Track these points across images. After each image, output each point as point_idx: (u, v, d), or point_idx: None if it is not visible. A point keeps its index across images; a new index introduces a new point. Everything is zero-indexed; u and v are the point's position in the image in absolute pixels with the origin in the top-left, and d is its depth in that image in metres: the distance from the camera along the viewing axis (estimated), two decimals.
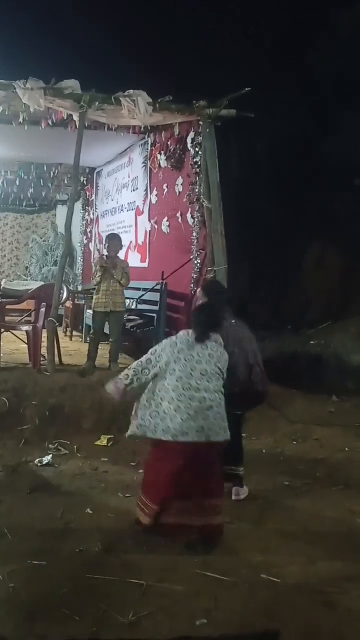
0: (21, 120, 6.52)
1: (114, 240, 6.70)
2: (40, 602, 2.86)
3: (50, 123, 6.75)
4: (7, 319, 7.20)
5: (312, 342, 9.18)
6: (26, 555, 3.26)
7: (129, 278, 6.60)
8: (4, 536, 3.50)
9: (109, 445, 5.32)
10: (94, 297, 6.66)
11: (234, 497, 4.20)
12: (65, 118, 6.52)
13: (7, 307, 7.38)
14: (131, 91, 6.16)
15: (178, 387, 3.48)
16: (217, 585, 3.07)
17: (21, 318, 7.57)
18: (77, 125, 6.31)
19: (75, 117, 6.27)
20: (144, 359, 3.66)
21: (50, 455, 4.93)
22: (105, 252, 6.76)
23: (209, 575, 3.14)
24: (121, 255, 9.18)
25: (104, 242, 7.86)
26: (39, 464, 4.78)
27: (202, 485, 3.51)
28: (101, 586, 2.99)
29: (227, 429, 3.55)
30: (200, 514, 3.48)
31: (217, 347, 3.68)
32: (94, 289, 6.77)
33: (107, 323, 6.66)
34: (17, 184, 11.48)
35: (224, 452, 3.69)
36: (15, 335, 7.11)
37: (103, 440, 5.35)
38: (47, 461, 4.81)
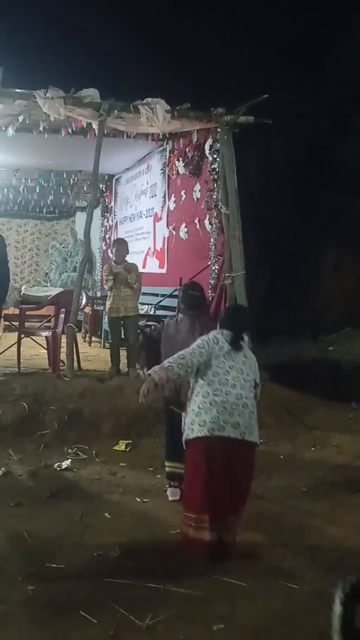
0: (41, 128, 6.61)
1: (122, 245, 6.75)
2: (58, 604, 2.89)
3: (70, 131, 6.83)
4: (26, 324, 7.28)
5: (330, 348, 9.13)
6: (45, 558, 3.30)
7: (140, 282, 6.63)
8: (23, 539, 3.54)
9: (127, 450, 5.34)
10: (107, 303, 6.71)
11: (171, 498, 4.23)
12: (85, 126, 6.60)
13: (27, 312, 7.46)
14: (149, 99, 6.21)
15: (214, 381, 3.44)
16: (234, 591, 3.07)
17: (40, 324, 7.65)
18: (96, 133, 6.38)
19: (95, 125, 6.34)
20: (185, 351, 3.57)
21: (69, 460, 4.97)
22: (113, 258, 6.81)
23: (227, 581, 3.15)
24: (139, 260, 9.29)
25: (111, 248, 7.92)
26: (58, 468, 4.82)
27: (235, 493, 3.43)
28: (119, 590, 3.01)
29: (258, 434, 3.52)
30: (224, 528, 3.40)
31: (247, 349, 3.66)
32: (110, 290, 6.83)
33: (122, 328, 6.70)
34: (37, 191, 11.62)
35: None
36: (34, 341, 7.19)
37: (121, 445, 5.38)
38: (65, 465, 4.86)
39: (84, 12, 10.97)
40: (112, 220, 11.96)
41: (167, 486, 4.35)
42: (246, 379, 3.51)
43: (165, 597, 2.98)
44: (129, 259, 6.86)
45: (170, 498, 4.26)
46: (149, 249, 9.53)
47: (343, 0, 10.15)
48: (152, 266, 9.21)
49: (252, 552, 3.50)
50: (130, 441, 5.44)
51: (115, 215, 11.72)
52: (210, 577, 3.19)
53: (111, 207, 11.96)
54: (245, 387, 3.49)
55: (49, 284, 13.44)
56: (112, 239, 11.67)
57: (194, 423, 3.42)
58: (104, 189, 12.04)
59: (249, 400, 3.47)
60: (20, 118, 6.30)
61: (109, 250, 7.43)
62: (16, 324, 7.11)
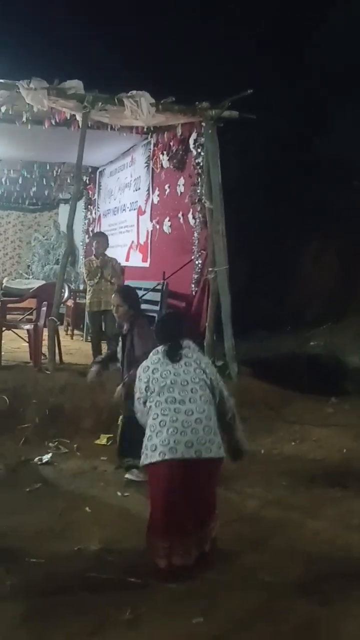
0: (24, 119, 6.55)
1: (101, 239, 6.75)
2: (39, 600, 2.89)
3: (53, 122, 6.77)
4: (8, 317, 7.23)
5: (312, 343, 9.19)
6: (25, 553, 3.30)
7: (119, 276, 6.64)
8: (3, 534, 3.53)
9: (109, 444, 5.33)
10: (87, 297, 6.70)
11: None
12: (68, 118, 6.55)
13: (9, 305, 7.40)
14: (134, 92, 6.18)
15: (161, 401, 3.23)
16: (214, 585, 3.09)
17: (22, 316, 7.59)
18: (80, 125, 6.33)
19: (78, 117, 6.29)
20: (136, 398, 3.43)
21: (50, 454, 4.95)
22: (93, 251, 6.80)
23: (207, 575, 3.17)
24: (122, 254, 9.25)
25: (91, 241, 7.90)
26: (39, 463, 4.81)
27: (198, 512, 3.24)
28: (100, 585, 3.02)
29: (221, 445, 3.27)
30: (198, 546, 3.23)
31: (193, 353, 3.44)
32: (91, 286, 6.83)
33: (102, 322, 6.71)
34: (20, 182, 11.52)
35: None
36: (16, 334, 7.13)
37: (102, 439, 5.38)
38: (46, 460, 4.84)
39: (69, 4, 10.86)
40: (95, 213, 11.90)
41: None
42: (195, 390, 3.26)
43: (145, 592, 2.99)
44: (111, 252, 6.86)
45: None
46: (132, 242, 9.50)
47: None
48: (135, 260, 9.19)
49: (232, 547, 3.52)
50: (112, 435, 5.42)
51: (98, 207, 11.67)
52: (191, 572, 3.21)
53: (95, 199, 11.90)
54: (195, 399, 3.23)
55: (31, 276, 13.34)
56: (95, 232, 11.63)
57: (147, 448, 3.20)
58: (87, 181, 11.97)
59: (202, 414, 3.20)
60: (3, 108, 6.23)
61: (91, 243, 7.40)
62: None
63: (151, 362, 3.41)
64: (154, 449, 3.16)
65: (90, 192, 12.15)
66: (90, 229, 12.18)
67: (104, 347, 6.75)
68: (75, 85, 6.03)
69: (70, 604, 2.83)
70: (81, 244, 12.54)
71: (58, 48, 10.35)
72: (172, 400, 3.22)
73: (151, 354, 3.49)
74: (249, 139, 8.92)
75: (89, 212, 12.34)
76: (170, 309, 7.50)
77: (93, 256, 6.68)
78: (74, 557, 3.31)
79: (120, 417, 4.51)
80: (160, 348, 3.46)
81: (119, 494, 4.28)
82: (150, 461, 3.18)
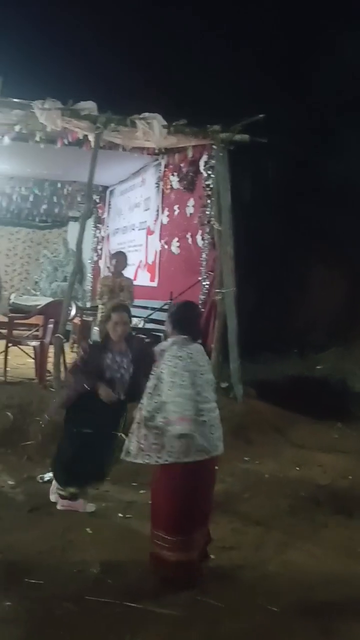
0: (37, 138, 6.62)
1: (121, 257, 6.78)
2: (36, 622, 2.85)
3: (66, 142, 6.84)
4: (14, 333, 7.24)
5: (318, 367, 9.16)
6: (24, 574, 3.26)
7: (132, 298, 6.65)
8: (1, 553, 3.49)
9: None
10: (99, 315, 6.71)
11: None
12: (81, 138, 6.62)
13: (16, 321, 7.42)
14: (146, 114, 6.25)
15: (208, 398, 3.30)
16: (213, 611, 3.04)
17: (29, 333, 7.61)
18: (92, 145, 6.40)
19: (91, 138, 6.36)
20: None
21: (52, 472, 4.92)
22: (111, 269, 6.84)
23: (206, 601, 3.12)
24: (131, 273, 9.28)
25: (110, 260, 7.94)
26: (41, 481, 4.77)
27: (207, 507, 3.42)
28: (99, 608, 2.98)
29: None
30: (202, 539, 3.39)
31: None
32: (103, 304, 6.84)
33: None
34: (31, 199, 11.61)
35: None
36: (22, 350, 7.14)
37: None
38: (48, 478, 4.80)
39: (84, 27, 11.06)
40: (104, 232, 11.97)
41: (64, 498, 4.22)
42: (214, 389, 3.43)
43: (144, 617, 2.95)
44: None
45: (59, 506, 4.21)
46: (141, 261, 9.54)
47: (333, 19, 10.31)
48: (143, 279, 9.21)
49: (232, 572, 3.48)
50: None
51: (107, 226, 11.74)
52: (191, 597, 3.16)
53: (104, 218, 11.98)
54: (215, 398, 3.40)
55: (38, 293, 13.38)
56: (104, 251, 11.69)
57: (189, 446, 3.18)
58: (97, 200, 12.06)
59: (217, 411, 3.39)
60: (17, 127, 6.31)
61: (110, 262, 7.41)
62: (4, 332, 7.06)
63: (188, 355, 3.27)
64: (200, 448, 3.20)
65: (100, 211, 12.23)
66: (99, 247, 12.24)
67: None
68: (88, 106, 6.10)
69: (68, 628, 2.79)
70: (89, 262, 12.59)
71: (73, 69, 10.51)
72: (206, 400, 3.28)
73: (179, 344, 3.31)
74: (259, 162, 8.99)
75: (98, 231, 12.42)
76: None
77: (110, 275, 6.72)
78: (73, 579, 3.27)
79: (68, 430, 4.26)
80: (186, 338, 3.34)
81: (121, 515, 4.25)
82: (194, 459, 3.20)
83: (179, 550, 3.26)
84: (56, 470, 4.25)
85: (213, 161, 6.91)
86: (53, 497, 4.26)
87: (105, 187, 11.57)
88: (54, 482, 4.31)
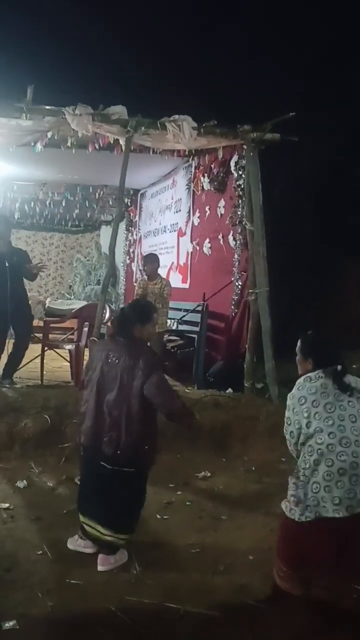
0: (69, 144, 6.70)
1: (147, 260, 6.82)
2: (77, 622, 2.88)
3: (97, 147, 6.91)
4: (50, 336, 7.34)
5: (354, 366, 9.02)
6: (64, 574, 3.29)
7: (165, 300, 6.65)
8: (44, 554, 3.54)
9: None
10: None
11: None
12: (112, 142, 6.67)
13: (51, 325, 7.52)
14: (176, 116, 6.26)
15: (334, 445, 2.70)
16: (254, 612, 3.03)
17: (64, 336, 7.71)
18: (123, 149, 6.44)
19: (122, 142, 6.40)
20: (287, 439, 2.92)
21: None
22: (144, 273, 6.89)
23: (246, 602, 3.11)
24: (162, 275, 9.30)
25: (141, 263, 7.99)
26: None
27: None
28: (138, 608, 2.99)
29: None
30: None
31: (357, 382, 2.89)
32: None
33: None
34: (63, 204, 11.78)
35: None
36: (57, 353, 7.24)
37: None
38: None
39: (112, 33, 11.16)
40: (136, 235, 12.05)
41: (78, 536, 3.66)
42: None
43: (184, 618, 2.95)
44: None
45: (71, 546, 3.64)
46: (172, 263, 9.57)
47: None
48: (175, 281, 9.23)
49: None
50: None
51: (139, 229, 11.81)
52: (230, 597, 3.16)
53: (136, 221, 12.06)
54: None
55: (72, 297, 13.56)
56: (136, 253, 11.77)
57: (327, 501, 2.72)
58: (129, 203, 12.15)
59: None
60: (49, 134, 6.39)
61: (141, 265, 7.45)
62: (40, 336, 7.16)
63: (308, 392, 2.79)
64: (337, 502, 2.68)
65: (132, 214, 12.32)
66: (131, 250, 12.33)
67: None
68: (119, 110, 6.14)
69: (109, 628, 2.81)
70: (122, 265, 12.69)
71: (102, 74, 10.62)
72: (347, 443, 2.69)
73: (301, 381, 2.87)
74: (291, 161, 8.92)
75: (130, 234, 12.51)
76: (210, 330, 7.49)
77: (145, 278, 6.77)
78: (113, 580, 3.29)
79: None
80: (316, 374, 2.84)
81: (158, 516, 4.26)
82: (332, 515, 2.70)
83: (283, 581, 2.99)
84: (127, 517, 3.58)
85: (244, 161, 6.89)
86: (88, 549, 3.59)
87: (137, 190, 11.65)
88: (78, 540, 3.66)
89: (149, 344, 3.93)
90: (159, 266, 6.88)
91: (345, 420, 2.70)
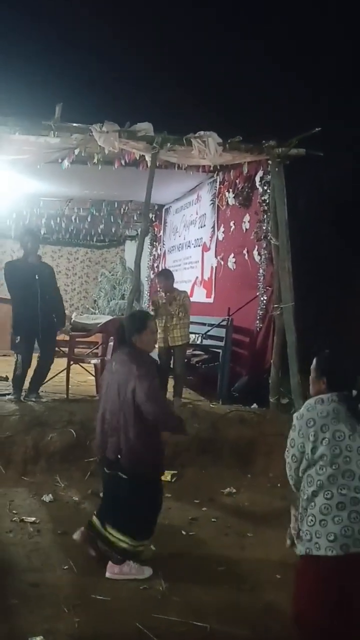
0: (95, 160, 6.79)
1: (160, 277, 6.80)
2: (104, 637, 2.87)
3: (123, 163, 6.99)
4: (75, 351, 7.39)
5: None
6: (90, 590, 3.29)
7: (186, 310, 6.60)
8: (70, 569, 3.54)
9: (172, 480, 5.31)
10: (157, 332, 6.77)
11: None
12: (137, 158, 6.75)
13: (77, 339, 7.57)
14: (202, 132, 6.30)
15: (335, 474, 2.44)
16: (281, 629, 2.98)
17: (89, 351, 7.75)
18: (149, 165, 6.51)
19: (147, 158, 6.47)
20: (288, 462, 2.67)
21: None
22: (159, 289, 6.88)
23: (274, 619, 3.07)
24: (186, 290, 9.32)
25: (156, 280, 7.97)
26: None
27: None
28: (165, 626, 2.97)
29: None
30: None
31: None
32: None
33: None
34: (89, 220, 11.90)
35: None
36: (83, 367, 7.28)
37: (167, 476, 5.32)
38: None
39: (138, 51, 11.33)
40: (160, 250, 12.12)
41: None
42: None
43: (211, 636, 2.92)
44: (177, 286, 6.92)
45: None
46: (197, 278, 9.59)
47: None
48: (200, 296, 9.25)
49: None
50: (176, 472, 5.41)
51: (164, 244, 11.88)
52: (257, 614, 3.12)
53: (160, 236, 12.13)
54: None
55: (97, 311, 13.64)
56: (161, 268, 11.82)
57: (320, 536, 2.40)
58: (153, 218, 12.24)
59: None
60: (76, 151, 6.49)
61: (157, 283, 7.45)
62: (65, 350, 7.22)
63: (318, 415, 2.53)
64: (333, 539, 2.37)
65: (156, 229, 12.40)
66: (156, 265, 12.40)
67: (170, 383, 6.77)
68: (145, 127, 6.21)
69: None
70: (146, 279, 12.76)
71: (128, 92, 10.76)
72: (351, 474, 2.44)
73: (311, 402, 2.61)
74: (315, 175, 8.91)
75: (154, 249, 12.59)
76: (235, 345, 7.47)
77: (162, 293, 6.75)
78: (138, 596, 3.28)
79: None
80: (329, 396, 2.57)
81: (184, 532, 4.24)
82: (326, 554, 2.38)
83: None
84: (129, 521, 3.60)
85: (269, 176, 6.90)
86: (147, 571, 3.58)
87: (161, 206, 11.73)
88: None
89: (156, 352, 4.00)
90: (174, 281, 6.86)
91: (353, 452, 2.46)
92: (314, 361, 2.78)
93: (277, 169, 6.58)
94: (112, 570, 3.51)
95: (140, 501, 3.56)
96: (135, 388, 3.46)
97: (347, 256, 9.35)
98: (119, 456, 3.52)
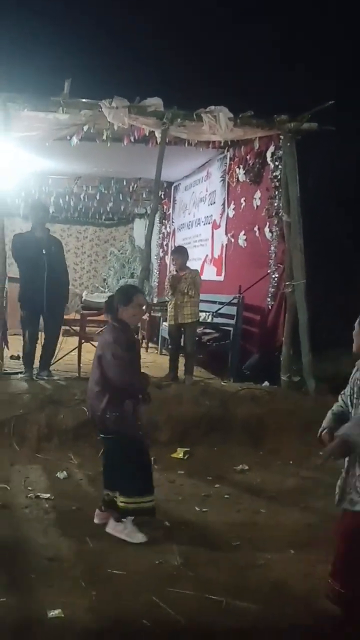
0: (104, 137, 6.72)
1: (175, 254, 6.80)
2: (122, 611, 2.90)
3: (132, 140, 6.92)
4: (87, 329, 7.40)
5: None
6: (106, 564, 3.33)
7: (197, 288, 6.60)
8: (86, 544, 3.59)
9: (185, 457, 5.34)
10: (168, 310, 6.78)
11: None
12: (147, 134, 6.67)
13: (88, 318, 7.58)
14: (212, 107, 6.22)
15: None
16: (295, 604, 3.02)
17: (100, 329, 7.74)
18: (159, 142, 6.43)
19: (157, 134, 6.39)
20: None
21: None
22: (174, 266, 6.87)
23: (288, 594, 3.10)
24: (196, 267, 9.29)
25: (171, 256, 7.96)
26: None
27: None
28: (180, 600, 3.01)
29: None
30: None
31: None
32: (167, 301, 6.91)
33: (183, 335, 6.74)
34: (97, 198, 11.83)
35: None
36: (94, 346, 7.26)
37: (179, 453, 5.38)
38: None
39: (146, 25, 11.14)
40: (169, 227, 12.04)
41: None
42: None
43: (226, 610, 2.95)
44: (188, 264, 6.90)
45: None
46: (207, 256, 9.53)
47: None
48: (210, 274, 9.21)
49: (311, 568, 3.43)
50: (188, 449, 5.44)
51: (173, 222, 11.80)
52: (268, 590, 3.15)
53: (169, 214, 12.06)
54: None
55: (107, 290, 13.63)
56: (170, 246, 11.76)
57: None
58: (162, 196, 12.13)
59: None
60: (85, 127, 6.42)
61: (172, 259, 7.42)
62: (76, 329, 7.23)
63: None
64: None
65: (165, 207, 12.32)
66: (165, 243, 12.34)
67: (181, 361, 6.78)
68: (155, 102, 6.13)
69: (152, 618, 2.83)
70: (155, 258, 12.71)
71: (137, 66, 10.61)
72: None
73: None
74: (328, 152, 8.78)
75: (163, 227, 12.51)
76: (246, 323, 7.45)
77: (174, 271, 6.76)
78: (154, 571, 3.31)
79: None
80: None
81: (197, 508, 4.27)
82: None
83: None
84: (127, 483, 3.75)
85: (280, 152, 6.81)
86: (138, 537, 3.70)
87: (170, 183, 11.63)
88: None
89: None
90: (188, 259, 6.85)
91: None
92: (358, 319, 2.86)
93: (288, 144, 6.50)
94: (110, 526, 3.76)
95: (123, 459, 3.77)
96: (104, 353, 3.71)
97: (356, 233, 9.26)
98: (93, 417, 3.89)
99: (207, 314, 8.09)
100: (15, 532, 3.72)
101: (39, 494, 4.35)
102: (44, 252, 6.08)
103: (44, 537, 3.67)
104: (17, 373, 6.36)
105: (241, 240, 8.13)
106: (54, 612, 2.81)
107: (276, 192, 6.98)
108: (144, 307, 4.27)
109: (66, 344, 7.01)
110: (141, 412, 3.86)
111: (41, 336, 6.42)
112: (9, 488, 4.45)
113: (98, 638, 2.73)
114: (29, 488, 4.47)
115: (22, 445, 5.28)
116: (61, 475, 4.77)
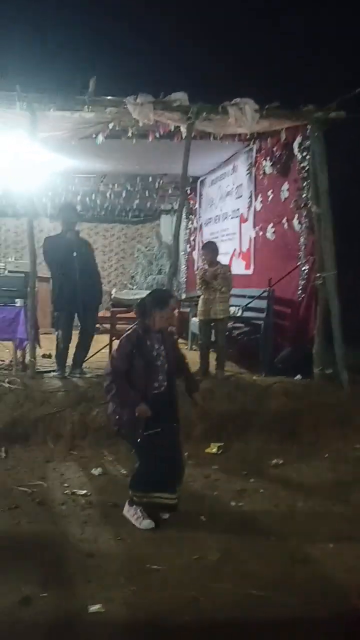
0: (130, 134, 6.72)
1: (205, 250, 6.78)
2: (161, 606, 2.90)
3: (157, 136, 6.90)
4: (117, 326, 7.42)
5: None
6: (144, 560, 3.34)
7: (229, 284, 6.57)
8: (124, 540, 3.60)
9: (219, 452, 5.32)
10: (199, 306, 6.76)
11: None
12: (172, 130, 6.65)
13: (118, 315, 7.60)
14: (238, 99, 6.16)
15: None
16: (337, 600, 2.97)
17: (131, 326, 7.76)
18: (184, 137, 6.40)
19: (183, 129, 6.36)
20: None
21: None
22: (204, 261, 6.84)
23: (330, 590, 3.06)
24: (224, 262, 9.24)
25: (202, 251, 7.93)
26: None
27: None
28: (219, 595, 2.99)
29: None
30: None
31: None
32: (198, 296, 6.87)
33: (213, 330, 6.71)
34: (123, 195, 11.84)
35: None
36: None
37: (213, 448, 5.36)
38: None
39: (170, 20, 11.07)
40: (196, 222, 12.01)
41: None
42: None
43: (265, 604, 2.93)
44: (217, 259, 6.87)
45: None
46: (235, 250, 9.48)
47: None
48: (238, 267, 9.14)
49: (354, 564, 3.38)
50: (222, 444, 5.42)
51: (200, 217, 11.76)
52: (309, 584, 3.11)
53: (196, 209, 12.02)
54: None
55: (135, 287, 13.66)
56: (197, 241, 11.73)
57: None
58: (188, 191, 12.08)
59: None
60: (111, 125, 6.43)
61: (201, 254, 7.39)
62: (107, 326, 7.26)
63: None
64: None
65: (192, 202, 12.27)
66: (192, 238, 12.30)
67: (212, 357, 6.75)
68: (180, 97, 6.10)
69: (191, 612, 2.82)
70: (182, 253, 12.68)
71: (161, 62, 10.55)
72: None
73: None
74: (355, 140, 8.63)
75: (190, 222, 12.47)
76: (277, 316, 7.38)
77: (205, 266, 6.73)
78: (192, 566, 3.30)
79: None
80: None
81: (233, 503, 4.25)
82: None
83: None
84: (134, 477, 3.94)
85: (308, 142, 6.72)
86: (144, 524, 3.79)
87: (196, 178, 11.58)
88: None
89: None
90: (218, 254, 6.82)
91: None
92: None
93: (316, 134, 6.40)
94: (125, 509, 3.90)
95: (137, 454, 3.95)
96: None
97: None
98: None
99: (237, 308, 8.04)
100: (53, 529, 3.76)
101: (75, 490, 4.38)
102: (74, 254, 6.13)
103: (81, 533, 3.70)
104: (50, 371, 6.41)
105: (269, 233, 8.06)
106: (95, 607, 2.82)
107: (304, 184, 6.88)
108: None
109: (96, 342, 7.03)
110: (144, 411, 3.77)
111: (74, 335, 6.47)
112: (45, 485, 4.50)
113: (138, 633, 2.74)
114: (65, 485, 4.51)
115: (56, 443, 5.33)
116: (96, 471, 4.80)
